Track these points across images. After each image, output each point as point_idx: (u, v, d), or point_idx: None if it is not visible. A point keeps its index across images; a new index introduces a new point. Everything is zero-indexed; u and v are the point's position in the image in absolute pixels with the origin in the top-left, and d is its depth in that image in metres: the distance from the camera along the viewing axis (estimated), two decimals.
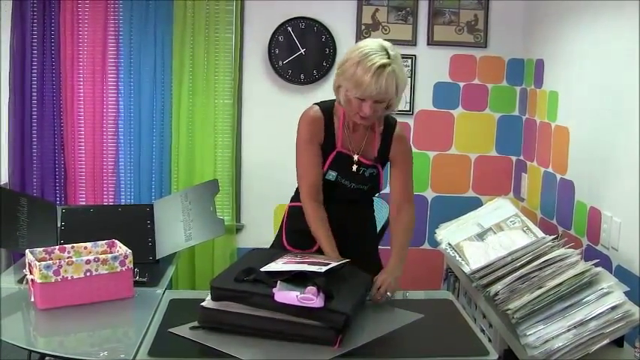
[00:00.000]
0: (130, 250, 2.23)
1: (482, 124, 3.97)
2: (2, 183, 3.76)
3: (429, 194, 4.01)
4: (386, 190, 2.53)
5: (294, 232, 2.46)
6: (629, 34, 2.58)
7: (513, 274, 2.24)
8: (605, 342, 1.98)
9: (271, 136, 3.89)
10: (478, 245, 2.48)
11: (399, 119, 2.48)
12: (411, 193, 2.46)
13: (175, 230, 2.75)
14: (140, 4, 3.72)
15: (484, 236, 2.52)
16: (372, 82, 2.14)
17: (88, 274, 2.14)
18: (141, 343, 1.87)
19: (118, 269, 2.18)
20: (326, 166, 2.37)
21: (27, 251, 2.20)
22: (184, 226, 2.76)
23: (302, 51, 3.84)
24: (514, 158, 3.99)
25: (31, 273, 2.13)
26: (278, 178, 3.80)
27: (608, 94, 2.78)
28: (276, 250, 2.50)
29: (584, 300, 2.06)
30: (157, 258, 2.66)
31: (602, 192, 2.79)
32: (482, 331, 2.49)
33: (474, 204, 3.55)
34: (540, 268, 2.20)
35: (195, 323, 1.93)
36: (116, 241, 2.36)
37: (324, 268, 1.95)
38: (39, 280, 2.07)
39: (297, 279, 1.91)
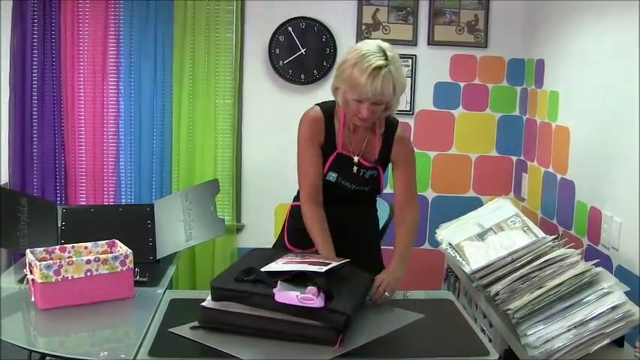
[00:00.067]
0: (130, 250, 2.23)
1: (482, 124, 3.97)
2: (2, 183, 3.76)
3: (430, 194, 4.01)
4: (386, 190, 2.53)
5: (296, 232, 2.46)
6: (629, 33, 2.58)
7: (514, 274, 2.24)
8: (605, 342, 1.98)
9: (272, 136, 3.89)
10: (478, 245, 2.48)
11: (400, 119, 2.48)
12: (414, 194, 2.45)
13: (176, 230, 2.75)
14: (140, 4, 3.73)
15: (484, 236, 2.52)
16: (368, 83, 2.13)
17: (89, 274, 2.14)
18: (141, 343, 1.87)
19: (119, 269, 2.18)
20: (326, 167, 2.37)
21: (27, 251, 2.20)
22: (185, 226, 2.76)
23: (302, 51, 3.84)
24: (514, 158, 3.99)
25: (31, 273, 2.13)
26: (278, 178, 3.82)
27: (609, 94, 2.78)
28: (277, 250, 2.50)
29: (584, 300, 2.06)
30: (157, 258, 2.66)
31: (603, 192, 2.79)
32: (483, 331, 2.49)
33: (475, 204, 3.55)
34: (541, 268, 2.20)
35: (196, 323, 1.93)
36: (117, 241, 2.36)
37: (324, 268, 1.95)
38: (39, 280, 2.07)
39: (297, 279, 1.91)
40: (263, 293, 1.86)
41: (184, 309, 2.08)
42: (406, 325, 2.05)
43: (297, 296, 1.81)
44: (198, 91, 3.81)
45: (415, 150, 2.52)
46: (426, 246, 3.99)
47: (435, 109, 3.96)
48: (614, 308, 2.00)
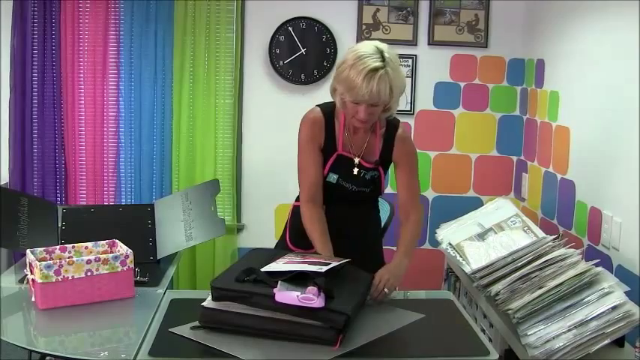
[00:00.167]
0: (130, 250, 2.23)
1: (482, 124, 3.97)
2: (2, 183, 3.76)
3: (430, 194, 4.01)
4: (387, 190, 2.52)
5: (298, 231, 2.45)
6: (629, 33, 2.58)
7: (514, 274, 2.24)
8: (605, 342, 1.98)
9: (272, 135, 3.89)
10: (479, 245, 2.48)
11: (400, 119, 2.47)
12: (417, 194, 2.45)
13: (176, 230, 2.75)
14: (141, 4, 3.73)
15: (485, 236, 2.52)
16: (363, 85, 2.13)
17: (89, 273, 2.14)
18: (141, 343, 1.87)
19: (119, 269, 2.18)
20: (327, 168, 2.37)
21: (28, 251, 2.20)
22: (185, 226, 2.76)
23: (303, 51, 3.84)
24: (515, 158, 3.99)
25: (31, 273, 2.13)
26: (279, 178, 3.82)
27: (609, 94, 2.78)
28: (277, 250, 2.50)
29: (584, 300, 2.06)
30: (157, 258, 2.66)
31: (603, 192, 2.78)
32: (483, 331, 2.49)
33: (475, 204, 3.56)
34: (541, 268, 2.20)
35: (196, 323, 1.93)
36: (117, 241, 2.36)
37: (324, 268, 1.95)
38: (40, 280, 2.07)
39: (297, 279, 1.91)
40: (263, 293, 1.85)
41: (184, 309, 2.08)
42: (406, 325, 2.05)
43: (297, 296, 1.81)
44: (198, 91, 3.81)
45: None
46: (427, 246, 3.99)
47: (436, 109, 3.96)
48: (614, 308, 2.00)
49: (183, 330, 1.92)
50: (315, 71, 3.86)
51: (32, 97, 3.75)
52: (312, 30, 3.84)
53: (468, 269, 2.41)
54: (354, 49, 2.21)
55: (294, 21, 3.82)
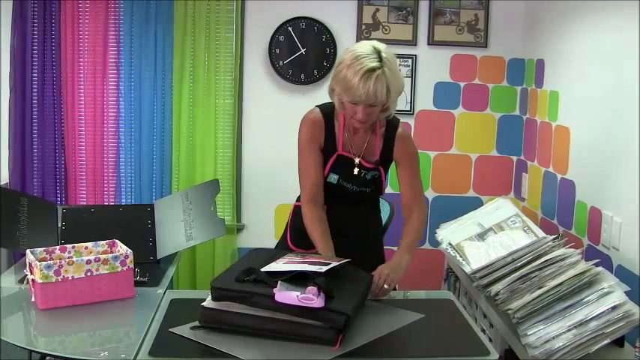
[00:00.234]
0: (130, 250, 2.23)
1: (482, 124, 3.97)
2: (2, 183, 3.76)
3: (430, 194, 4.01)
4: (387, 190, 2.52)
5: (298, 231, 2.45)
6: (629, 33, 2.58)
7: (514, 274, 2.24)
8: (605, 342, 1.98)
9: (272, 135, 3.89)
10: (479, 245, 2.48)
11: (400, 119, 2.47)
12: (419, 193, 2.44)
13: (176, 230, 2.75)
14: (141, 4, 3.73)
15: (485, 236, 2.52)
16: (360, 86, 2.12)
17: (89, 274, 2.14)
18: (142, 343, 1.87)
19: (119, 269, 2.18)
20: (327, 169, 2.37)
21: (27, 251, 2.20)
22: (185, 226, 2.76)
23: (302, 51, 3.84)
24: (515, 158, 3.99)
25: (31, 273, 2.13)
26: (279, 178, 3.82)
27: (609, 94, 2.78)
28: (277, 250, 2.50)
29: (584, 300, 2.06)
30: (157, 258, 2.66)
31: (603, 192, 2.79)
32: (483, 330, 2.49)
33: (475, 204, 3.56)
34: (541, 268, 2.20)
35: (196, 323, 1.93)
36: (117, 241, 2.36)
37: (324, 268, 1.95)
38: (39, 280, 2.07)
39: (297, 279, 1.91)
40: (263, 293, 1.85)
41: (184, 309, 2.08)
42: (406, 325, 2.05)
43: (297, 296, 1.81)
44: (198, 91, 3.81)
45: None
46: (427, 246, 3.99)
47: (435, 109, 3.96)
48: (614, 308, 2.00)
49: (183, 330, 1.92)
50: (315, 71, 3.86)
51: (32, 97, 3.75)
52: (312, 30, 3.84)
53: (468, 269, 2.41)
54: (352, 50, 2.21)
55: (294, 21, 3.83)
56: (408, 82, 3.83)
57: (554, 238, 2.35)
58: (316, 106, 2.42)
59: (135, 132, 3.83)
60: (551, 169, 3.39)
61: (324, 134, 2.36)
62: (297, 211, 2.49)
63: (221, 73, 3.86)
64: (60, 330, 2.01)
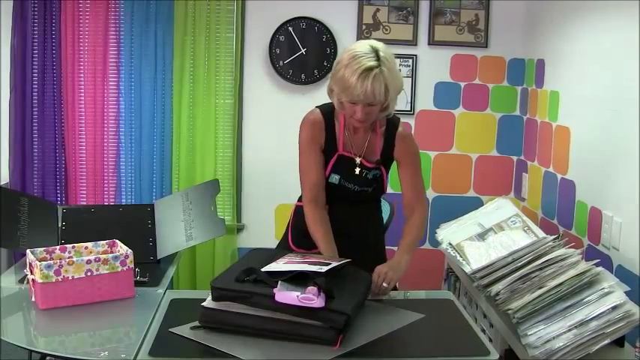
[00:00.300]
0: (130, 250, 2.23)
1: (483, 124, 3.97)
2: (2, 183, 3.76)
3: (430, 194, 4.01)
4: (388, 190, 2.52)
5: (300, 232, 2.45)
6: (630, 33, 2.58)
7: (514, 274, 2.24)
8: (605, 342, 1.98)
9: (272, 135, 3.89)
10: (479, 245, 2.48)
11: (400, 119, 2.47)
12: (420, 192, 2.44)
13: (176, 230, 2.75)
14: (141, 3, 3.73)
15: (485, 236, 2.52)
16: (358, 85, 2.12)
17: (89, 274, 2.14)
18: (142, 343, 1.87)
19: (119, 269, 2.18)
20: (328, 169, 2.36)
21: (28, 251, 2.20)
22: (185, 225, 2.76)
23: (303, 51, 3.84)
24: (515, 158, 3.99)
25: (31, 273, 2.13)
26: (279, 178, 3.82)
27: (609, 94, 2.78)
28: (277, 250, 2.50)
29: (584, 300, 2.06)
30: (157, 258, 2.66)
31: (603, 192, 2.78)
32: (483, 331, 2.49)
33: (475, 204, 3.56)
34: (541, 268, 2.20)
35: (196, 323, 1.93)
36: (117, 241, 2.36)
37: (324, 268, 1.95)
38: (40, 280, 2.07)
39: (297, 279, 1.91)
40: (263, 293, 1.85)
41: (184, 309, 2.08)
42: (406, 325, 2.05)
43: (297, 296, 1.81)
44: (198, 91, 3.81)
45: None
46: (427, 246, 3.99)
47: (436, 109, 3.96)
48: (614, 308, 2.00)
49: (183, 330, 1.92)
50: (315, 71, 3.86)
51: (32, 97, 3.75)
52: (312, 30, 3.84)
53: (468, 269, 2.41)
54: (349, 49, 2.21)
55: (294, 21, 3.82)
56: (408, 82, 3.83)
57: (555, 238, 2.35)
58: (316, 106, 2.42)
59: (135, 132, 3.84)
60: (551, 169, 3.39)
61: (325, 135, 2.36)
62: (298, 212, 2.48)
63: (221, 73, 3.86)
64: (60, 330, 2.01)
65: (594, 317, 1.99)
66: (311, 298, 1.81)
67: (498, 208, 2.70)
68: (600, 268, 2.13)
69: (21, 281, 2.34)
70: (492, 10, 3.87)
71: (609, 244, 2.67)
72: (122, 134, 3.87)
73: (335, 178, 2.37)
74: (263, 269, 1.98)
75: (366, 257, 2.30)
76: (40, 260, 2.15)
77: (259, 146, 3.94)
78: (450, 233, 2.68)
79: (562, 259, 2.20)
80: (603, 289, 2.06)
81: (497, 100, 3.95)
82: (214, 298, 1.91)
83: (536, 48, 3.69)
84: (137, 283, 2.30)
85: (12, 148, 3.75)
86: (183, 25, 3.75)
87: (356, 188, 2.37)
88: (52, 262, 2.10)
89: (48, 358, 2.18)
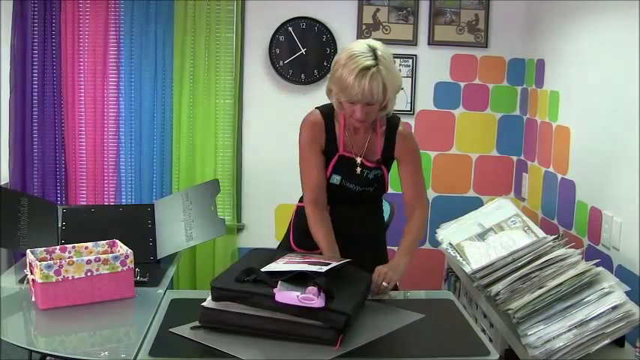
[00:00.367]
0: (130, 250, 2.23)
1: (483, 124, 3.97)
2: (2, 183, 3.76)
3: (430, 194, 4.01)
4: (388, 190, 2.52)
5: (302, 232, 2.45)
6: (629, 33, 2.58)
7: (514, 274, 2.24)
8: (605, 342, 1.98)
9: (272, 135, 3.89)
10: (479, 245, 2.48)
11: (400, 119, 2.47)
12: (421, 191, 2.44)
13: (176, 230, 2.75)
14: (141, 4, 3.73)
15: (485, 236, 2.52)
16: (355, 84, 2.12)
17: (89, 274, 2.14)
18: (142, 343, 1.87)
19: (119, 269, 2.18)
20: (329, 170, 2.36)
21: (28, 251, 2.20)
22: (185, 225, 2.76)
23: (303, 51, 3.84)
24: (515, 158, 3.99)
25: (31, 273, 2.13)
26: (279, 178, 3.83)
27: (609, 94, 2.78)
28: (277, 250, 2.50)
29: (584, 300, 2.06)
30: (157, 258, 2.66)
31: (603, 192, 2.78)
32: (483, 330, 2.49)
33: (475, 204, 3.56)
34: (541, 268, 2.20)
35: (196, 323, 1.93)
36: (117, 241, 2.36)
37: (324, 268, 1.95)
38: (40, 280, 2.07)
39: (297, 279, 1.91)
40: (263, 293, 1.85)
41: (184, 309, 2.08)
42: (406, 325, 2.05)
43: (297, 296, 1.81)
44: (198, 91, 3.81)
45: None
46: (427, 246, 3.99)
47: (436, 109, 3.95)
48: (614, 308, 2.00)
49: (183, 330, 1.92)
50: (315, 71, 3.86)
51: (32, 97, 3.75)
52: (312, 30, 3.84)
53: (468, 269, 2.41)
54: (347, 49, 2.20)
55: (294, 21, 3.83)
56: (408, 82, 3.83)
57: (555, 238, 2.35)
58: (316, 107, 2.41)
59: (135, 132, 3.84)
60: (551, 169, 3.39)
61: (325, 135, 2.36)
62: (299, 212, 2.48)
63: (221, 73, 3.86)
64: (60, 330, 2.01)
65: (594, 317, 1.99)
66: (311, 298, 1.81)
67: (498, 208, 2.70)
68: (600, 268, 2.13)
69: (21, 281, 2.34)
70: (492, 10, 3.87)
71: (609, 244, 2.67)
72: (122, 134, 3.87)
73: (336, 179, 2.36)
74: (263, 269, 1.98)
75: (368, 257, 2.30)
76: (40, 260, 2.15)
77: (259, 146, 3.94)
78: (450, 233, 2.68)
79: (562, 259, 2.20)
80: (603, 289, 2.06)
81: (497, 100, 3.95)
82: (214, 298, 1.91)
83: (536, 48, 3.69)
84: (137, 283, 2.30)
85: (12, 148, 3.76)
86: (183, 25, 3.75)
87: (357, 188, 2.37)
88: (52, 262, 2.10)
89: (48, 358, 2.18)
